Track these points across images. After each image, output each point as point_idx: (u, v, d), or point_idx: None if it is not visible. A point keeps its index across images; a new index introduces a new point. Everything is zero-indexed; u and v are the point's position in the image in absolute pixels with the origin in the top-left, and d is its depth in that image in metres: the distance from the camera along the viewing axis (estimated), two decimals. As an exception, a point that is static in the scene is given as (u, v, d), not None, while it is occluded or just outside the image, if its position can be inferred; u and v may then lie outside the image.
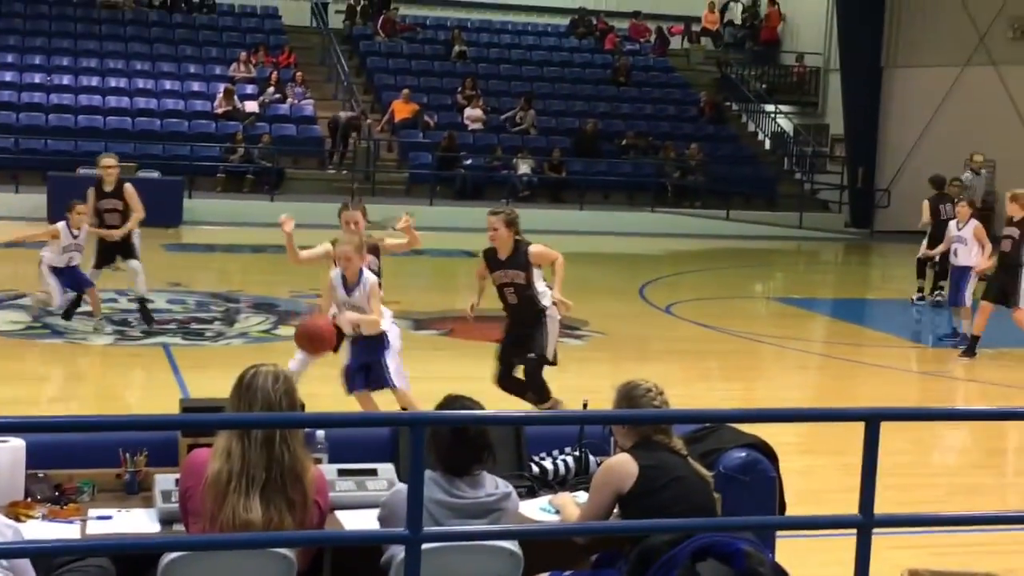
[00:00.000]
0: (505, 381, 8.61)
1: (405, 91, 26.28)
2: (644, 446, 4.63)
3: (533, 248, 8.45)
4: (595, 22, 31.38)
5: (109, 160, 12.26)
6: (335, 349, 7.94)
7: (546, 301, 8.43)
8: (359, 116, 25.34)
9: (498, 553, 4.19)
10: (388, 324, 7.91)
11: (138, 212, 12.28)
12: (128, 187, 12.28)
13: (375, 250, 8.37)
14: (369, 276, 7.73)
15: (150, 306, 12.25)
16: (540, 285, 8.44)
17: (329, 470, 4.88)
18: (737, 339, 13.49)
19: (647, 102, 28.92)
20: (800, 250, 25.13)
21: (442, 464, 4.29)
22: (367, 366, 7.84)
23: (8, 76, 25.27)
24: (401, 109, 26.01)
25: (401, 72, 27.97)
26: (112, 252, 12.20)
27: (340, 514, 4.73)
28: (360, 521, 4.65)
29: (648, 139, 27.06)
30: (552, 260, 8.53)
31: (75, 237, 11.76)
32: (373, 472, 4.98)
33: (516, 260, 8.38)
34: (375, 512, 4.43)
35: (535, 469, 5.31)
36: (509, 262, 8.41)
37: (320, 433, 5.12)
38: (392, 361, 7.82)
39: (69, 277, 11.76)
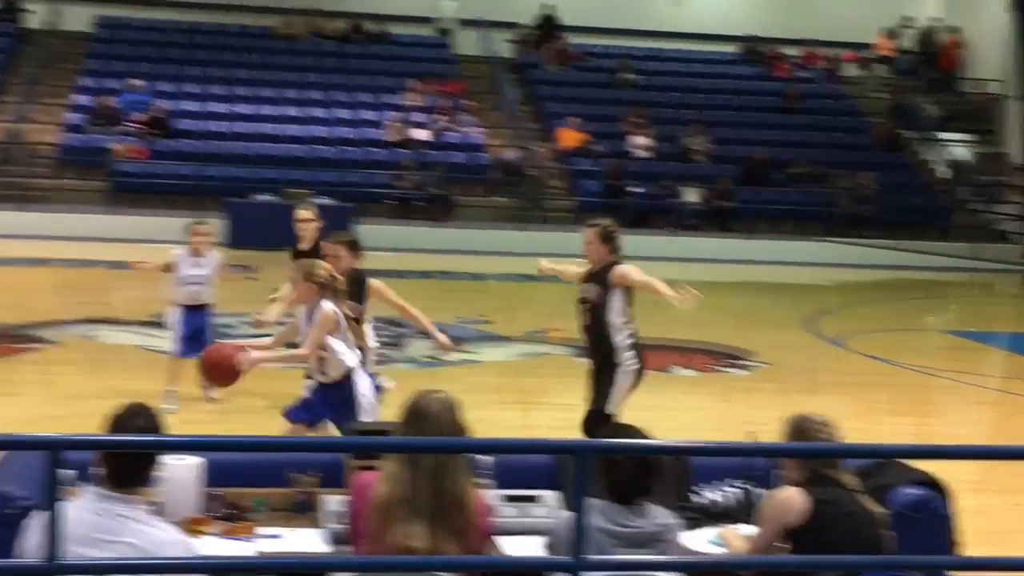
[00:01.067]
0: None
1: (575, 119, 26.40)
2: (814, 481, 4.55)
3: (619, 268, 7.55)
4: (765, 50, 31.06)
5: (305, 212, 10.06)
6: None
7: (621, 341, 7.49)
8: (526, 157, 25.52)
9: (662, 584, 4.15)
10: (353, 367, 7.07)
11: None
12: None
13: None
14: (325, 307, 6.97)
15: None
16: (617, 318, 7.49)
17: (494, 496, 4.91)
18: (908, 372, 13.16)
19: (818, 130, 28.48)
20: (974, 282, 24.40)
21: (608, 492, 4.27)
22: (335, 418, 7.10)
23: (191, 106, 26.20)
24: (569, 137, 26.12)
25: (569, 100, 28.10)
26: None
27: (503, 540, 4.76)
28: (523, 548, 4.66)
29: (818, 167, 26.63)
30: (635, 281, 7.49)
31: (199, 267, 10.18)
32: (537, 499, 4.99)
33: (597, 276, 7.64)
34: (538, 539, 4.44)
35: (700, 500, 5.25)
36: (591, 277, 7.70)
37: (486, 459, 5.15)
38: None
39: (193, 323, 10.10)
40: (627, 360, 7.51)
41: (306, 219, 9.59)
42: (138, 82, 25.70)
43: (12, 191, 22.78)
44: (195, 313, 10.05)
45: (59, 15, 28.24)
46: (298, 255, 9.38)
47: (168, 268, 10.06)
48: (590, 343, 7.65)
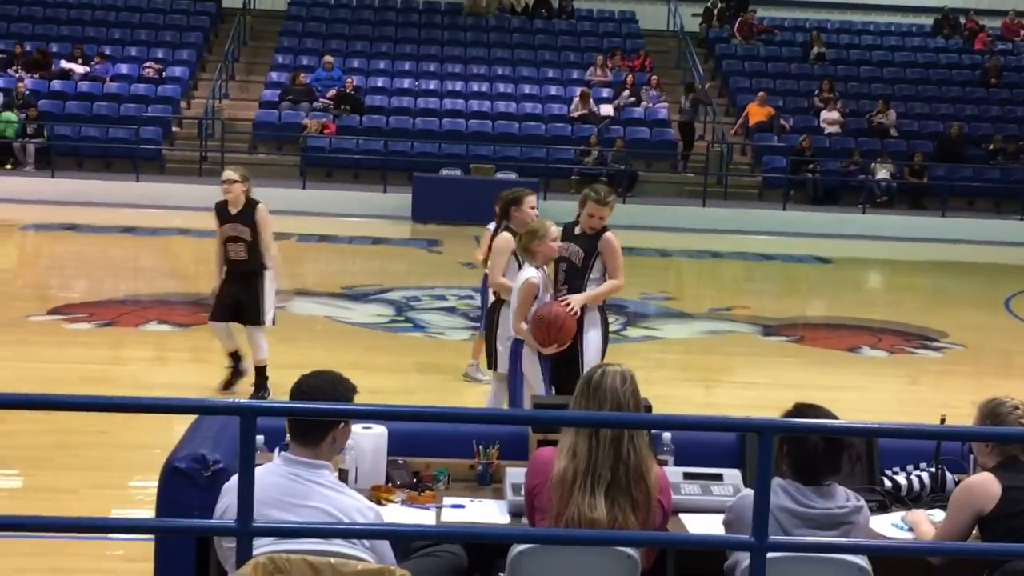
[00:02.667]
0: None
1: (761, 94, 25.99)
2: (1008, 466, 4.40)
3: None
4: (963, 21, 30.01)
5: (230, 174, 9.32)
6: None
7: None
8: (702, 92, 25.36)
9: (847, 567, 4.06)
10: None
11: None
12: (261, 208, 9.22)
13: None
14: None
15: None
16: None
17: (675, 473, 4.89)
18: (1113, 358, 12.59)
19: (1018, 104, 27.39)
20: None
21: (794, 472, 4.20)
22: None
23: (380, 82, 26.67)
24: (756, 112, 25.73)
25: (757, 75, 27.67)
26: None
27: (684, 517, 4.73)
28: (704, 525, 4.63)
29: (1018, 143, 25.64)
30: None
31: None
32: (719, 477, 4.94)
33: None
34: (719, 517, 4.40)
35: (888, 484, 5.13)
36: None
37: (667, 435, 5.13)
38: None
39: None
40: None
41: (230, 180, 9.22)
42: (330, 59, 26.27)
43: (210, 165, 23.57)
44: None
45: (255, -6, 29.07)
46: (224, 219, 9.21)
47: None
48: None
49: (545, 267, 7.09)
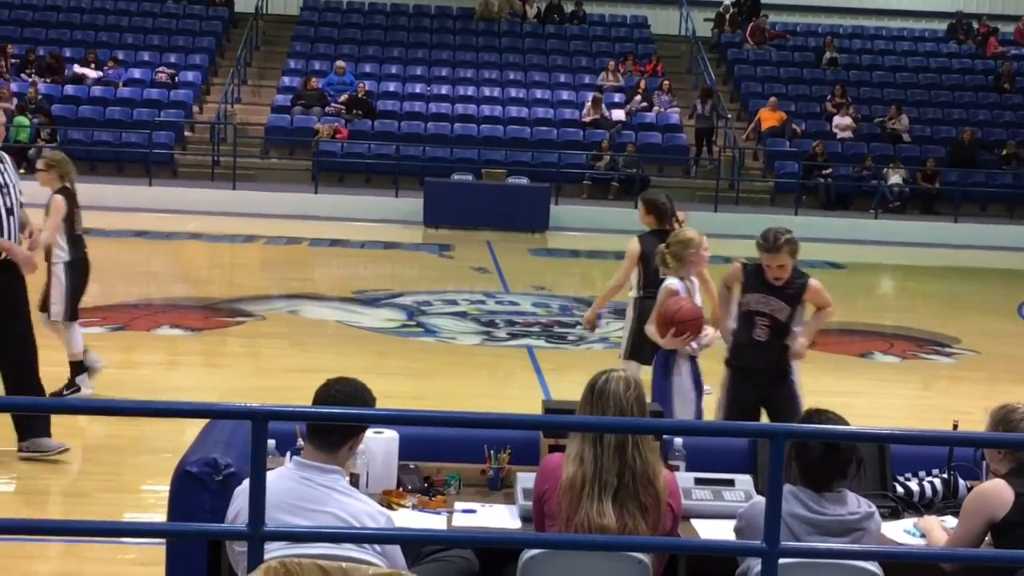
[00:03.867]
0: None
1: (772, 99, 25.98)
2: (1021, 472, 4.38)
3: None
4: (976, 26, 29.96)
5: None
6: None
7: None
8: (711, 93, 25.38)
9: (859, 574, 4.06)
10: None
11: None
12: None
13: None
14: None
15: (516, 308, 12.50)
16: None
17: (686, 478, 4.88)
18: None
19: (1031, 109, 27.37)
20: None
21: (804, 478, 4.20)
22: None
23: (392, 87, 26.71)
24: (768, 117, 25.71)
25: (769, 80, 27.66)
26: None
27: (696, 523, 4.73)
28: (716, 531, 4.62)
29: (1031, 149, 25.60)
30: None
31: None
32: (731, 483, 4.94)
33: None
34: (731, 523, 4.40)
35: (900, 490, 5.12)
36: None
37: (678, 441, 5.13)
38: None
39: None
40: None
41: (38, 168, 9.05)
42: (342, 64, 26.32)
43: (223, 170, 23.63)
44: None
45: (267, -1, 29.15)
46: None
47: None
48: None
49: (692, 278, 7.19)
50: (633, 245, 8.05)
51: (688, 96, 27.16)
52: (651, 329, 7.09)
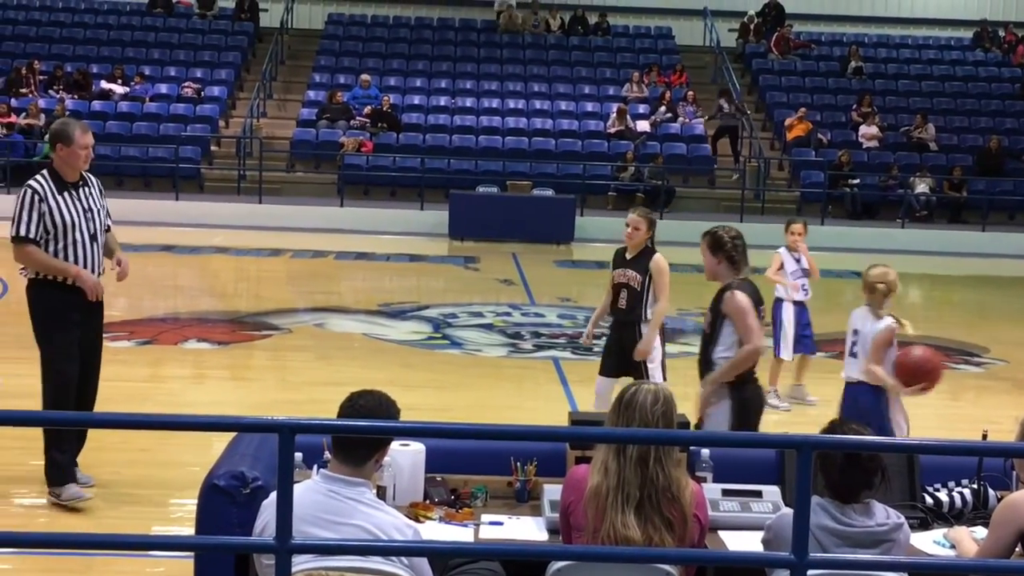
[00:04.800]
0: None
1: (802, 109, 25.94)
2: (1050, 483, 4.36)
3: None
4: (1002, 34, 29.82)
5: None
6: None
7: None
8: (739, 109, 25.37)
9: (888, 585, 4.03)
10: None
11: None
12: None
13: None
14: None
15: (541, 320, 12.47)
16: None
17: (713, 490, 4.87)
18: None
19: (1059, 117, 27.23)
20: None
21: (831, 490, 4.18)
22: None
23: (416, 99, 26.78)
24: (793, 127, 25.66)
25: (794, 90, 27.61)
26: None
27: (723, 534, 4.71)
28: (744, 542, 4.61)
29: (1059, 156, 25.45)
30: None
31: (800, 263, 10.42)
32: (758, 494, 4.92)
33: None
34: (759, 534, 4.38)
35: (929, 500, 5.09)
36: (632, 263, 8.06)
37: (705, 452, 5.11)
38: None
39: (802, 319, 10.38)
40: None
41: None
42: (366, 77, 26.40)
43: (249, 184, 23.72)
44: (802, 309, 10.38)
45: (293, 13, 29.27)
46: None
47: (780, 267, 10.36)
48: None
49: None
50: (663, 262, 8.13)
51: (713, 107, 27.14)
52: (879, 373, 7.00)
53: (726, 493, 4.90)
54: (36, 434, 7.30)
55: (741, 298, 6.35)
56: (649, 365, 7.96)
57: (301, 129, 25.24)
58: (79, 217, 6.86)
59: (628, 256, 8.08)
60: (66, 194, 6.85)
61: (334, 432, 4.09)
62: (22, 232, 6.73)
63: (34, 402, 8.74)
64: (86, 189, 6.97)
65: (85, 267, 6.93)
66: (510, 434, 4.68)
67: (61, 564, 5.93)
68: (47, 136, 7.15)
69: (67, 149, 6.83)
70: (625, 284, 8.00)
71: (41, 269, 6.87)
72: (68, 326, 6.99)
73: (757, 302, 6.40)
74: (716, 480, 5.03)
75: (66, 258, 6.85)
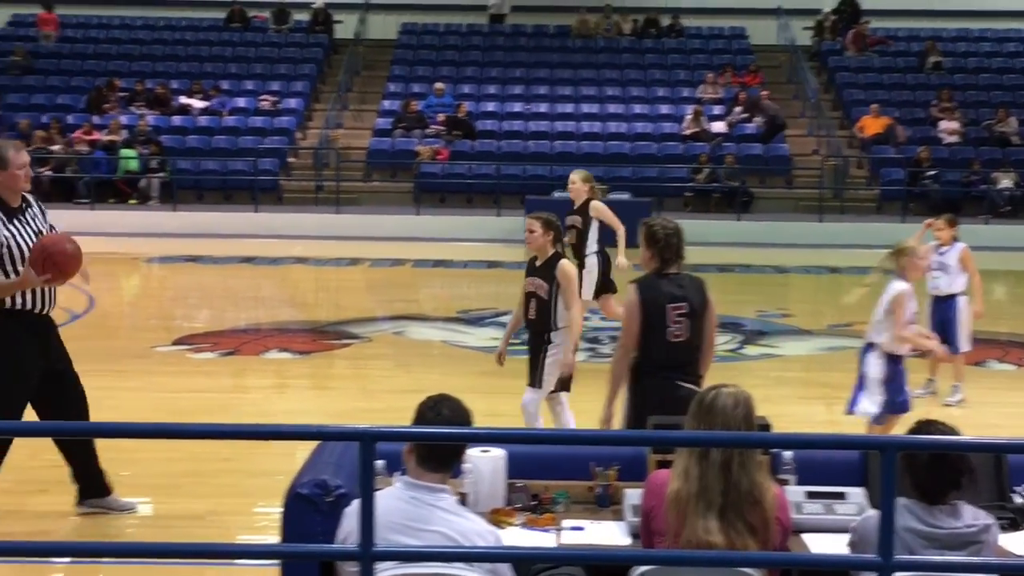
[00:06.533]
0: None
1: (875, 106, 25.63)
2: None
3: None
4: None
5: None
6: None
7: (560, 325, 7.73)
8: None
9: (977, 587, 3.96)
10: None
11: None
12: None
13: None
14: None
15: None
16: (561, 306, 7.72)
17: (797, 492, 4.82)
18: None
19: None
20: None
21: (917, 491, 4.12)
22: None
23: (491, 106, 26.84)
24: (871, 124, 25.36)
25: (871, 87, 27.28)
26: None
27: (807, 537, 4.66)
28: (828, 545, 4.56)
29: None
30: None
31: (942, 256, 10.26)
32: (842, 496, 4.87)
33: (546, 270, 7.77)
34: (844, 537, 4.33)
35: (1018, 500, 5.00)
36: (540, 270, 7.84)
37: (787, 454, 5.07)
38: None
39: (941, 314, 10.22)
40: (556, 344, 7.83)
41: None
42: (441, 86, 26.52)
43: (326, 194, 23.93)
44: (943, 304, 10.26)
45: (367, 24, 29.49)
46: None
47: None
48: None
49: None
50: (572, 269, 7.87)
51: (789, 106, 26.91)
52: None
53: (810, 495, 4.85)
54: (120, 445, 7.42)
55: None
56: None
57: (377, 139, 25.41)
58: (31, 242, 6.45)
59: (537, 263, 7.88)
60: (15, 220, 6.48)
61: (415, 439, 4.11)
62: None
63: (119, 415, 8.90)
64: (30, 211, 6.61)
65: (43, 293, 6.54)
66: (591, 439, 4.68)
67: (149, 573, 6.01)
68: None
69: (4, 173, 6.43)
70: (534, 293, 7.81)
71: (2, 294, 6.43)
72: (23, 360, 6.56)
73: (659, 299, 6.17)
74: (800, 483, 4.98)
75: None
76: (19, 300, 6.48)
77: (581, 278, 9.58)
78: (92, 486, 7.08)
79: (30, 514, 7.01)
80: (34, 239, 6.48)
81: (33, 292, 6.50)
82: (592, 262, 11.36)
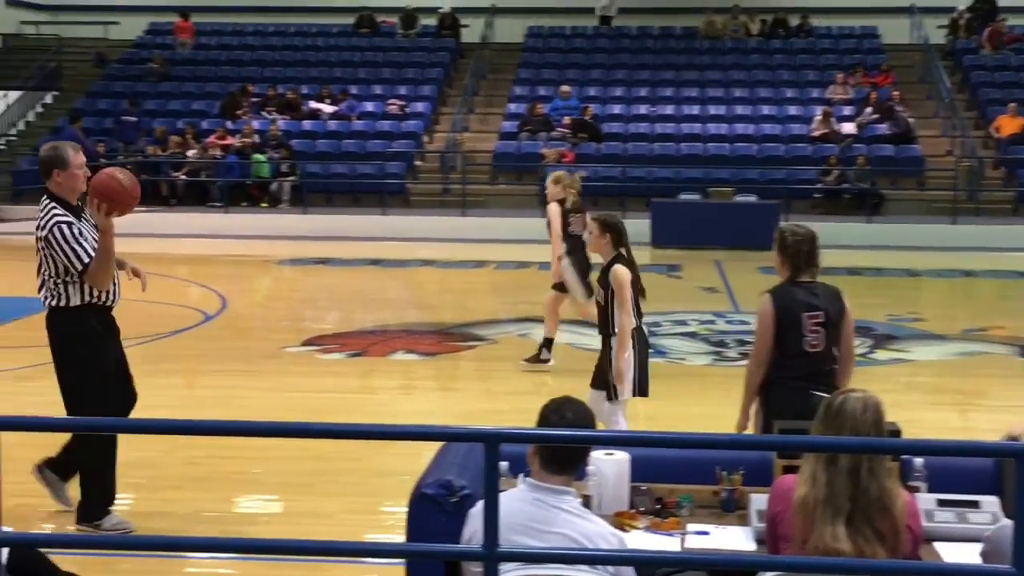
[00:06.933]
0: None
1: (1012, 105, 24.97)
2: None
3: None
4: None
5: None
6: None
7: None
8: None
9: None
10: None
11: None
12: None
13: None
14: None
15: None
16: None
17: (927, 500, 4.72)
18: None
19: None
20: None
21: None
22: None
23: (617, 109, 26.80)
24: (1008, 124, 24.71)
25: (1008, 85, 26.58)
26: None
27: (939, 546, 4.57)
28: (960, 555, 4.46)
29: None
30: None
31: None
32: (975, 504, 4.76)
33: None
34: (977, 546, 4.23)
35: None
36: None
37: (918, 461, 4.97)
38: None
39: None
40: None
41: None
42: (567, 88, 26.55)
43: (453, 197, 24.13)
44: None
45: (493, 28, 29.66)
46: None
47: None
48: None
49: None
50: (623, 275, 7.61)
51: (922, 106, 26.38)
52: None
53: (941, 503, 4.75)
54: (252, 444, 7.57)
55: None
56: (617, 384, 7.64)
57: (503, 142, 25.54)
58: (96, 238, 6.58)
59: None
60: (81, 218, 6.62)
61: (539, 442, 4.13)
62: (85, 260, 6.46)
63: (249, 414, 9.09)
64: (85, 210, 6.67)
65: (114, 285, 6.70)
66: (716, 443, 4.64)
67: (278, 570, 6.13)
68: (45, 164, 6.84)
69: (64, 172, 6.59)
70: (597, 300, 7.77)
71: (106, 268, 6.52)
72: (108, 355, 6.72)
73: (793, 308, 6.03)
74: (931, 490, 4.88)
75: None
76: (92, 294, 6.60)
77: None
78: (62, 464, 6.98)
79: (165, 511, 7.19)
80: (95, 235, 6.58)
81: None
82: (565, 263, 11.07)
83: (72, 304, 6.58)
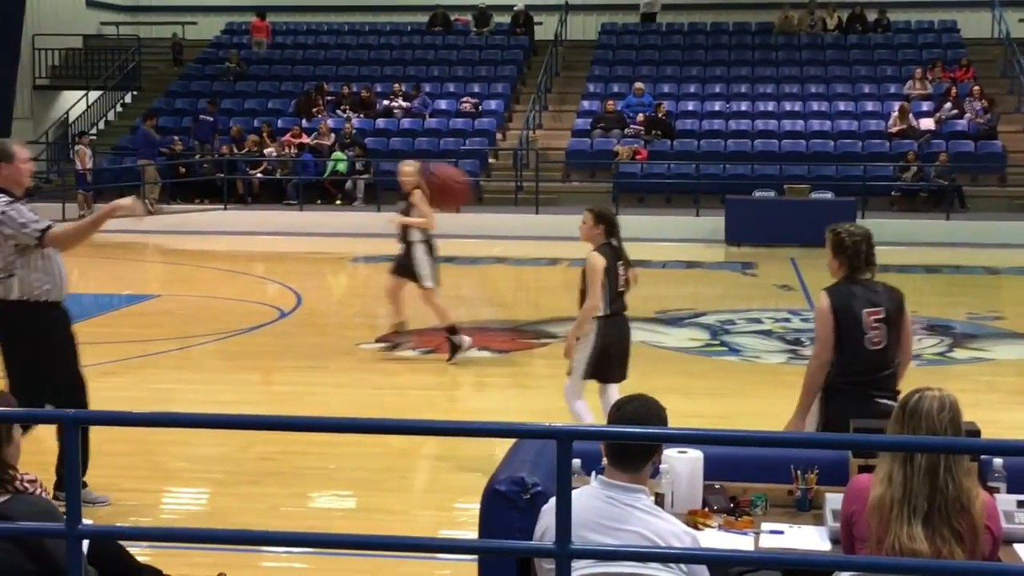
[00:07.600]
0: None
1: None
2: None
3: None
4: None
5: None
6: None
7: None
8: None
9: None
10: None
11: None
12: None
13: None
14: None
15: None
16: None
17: (1007, 501, 4.65)
18: None
19: None
20: None
21: None
22: None
23: (690, 105, 26.66)
24: (1091, 119, 24.27)
25: (1092, 79, 26.11)
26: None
27: (1019, 548, 4.50)
28: (1041, 557, 4.39)
29: None
30: None
31: None
32: (1057, 505, 4.68)
33: None
34: (1059, 548, 4.17)
35: None
36: None
37: (998, 461, 4.90)
38: None
39: None
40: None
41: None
42: (640, 85, 26.47)
43: (526, 195, 24.14)
44: None
45: (566, 25, 29.64)
46: None
47: None
48: None
49: None
50: (597, 260, 7.91)
51: (1004, 102, 25.95)
52: None
53: (1021, 504, 4.68)
54: (327, 440, 7.64)
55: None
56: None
57: (576, 139, 25.51)
58: None
59: None
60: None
61: (610, 439, 4.12)
62: (41, 226, 6.64)
63: (324, 410, 9.16)
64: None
65: (63, 270, 6.84)
66: (790, 442, 4.61)
67: (352, 564, 6.18)
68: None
69: (10, 166, 6.73)
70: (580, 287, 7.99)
71: (80, 234, 6.92)
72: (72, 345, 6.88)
73: (853, 304, 5.91)
74: (1010, 491, 4.81)
75: (50, 266, 6.74)
76: (48, 292, 6.73)
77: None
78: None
79: (242, 506, 7.28)
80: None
81: (59, 286, 6.76)
82: (419, 250, 11.83)
83: (12, 298, 6.72)
